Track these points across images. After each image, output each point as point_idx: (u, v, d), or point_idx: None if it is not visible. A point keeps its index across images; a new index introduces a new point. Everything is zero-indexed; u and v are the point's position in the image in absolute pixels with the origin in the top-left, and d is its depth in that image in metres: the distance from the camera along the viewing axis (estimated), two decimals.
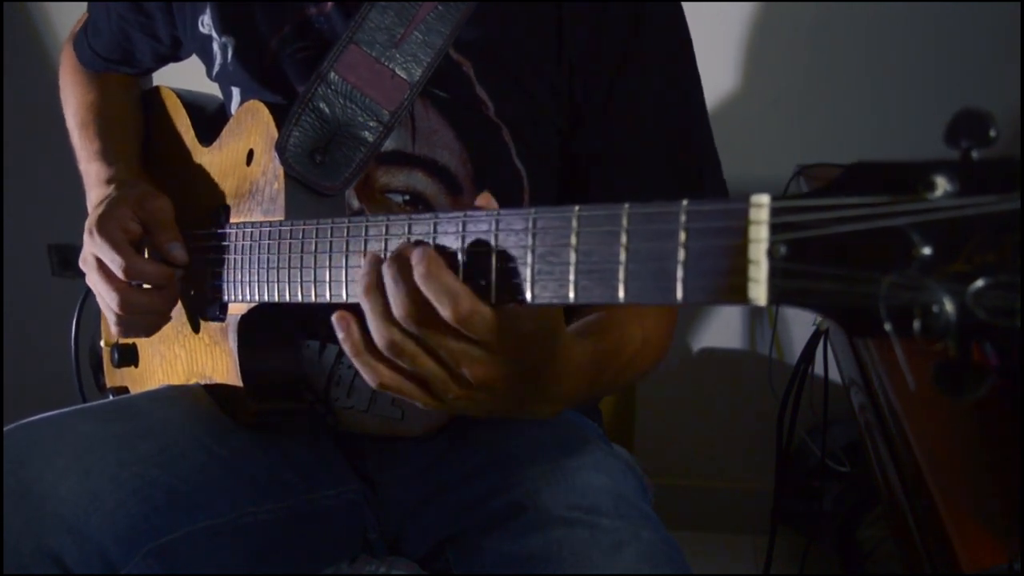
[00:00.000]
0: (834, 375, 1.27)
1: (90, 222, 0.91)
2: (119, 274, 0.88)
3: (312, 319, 0.92)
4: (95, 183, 1.01)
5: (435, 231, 0.62)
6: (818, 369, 1.40)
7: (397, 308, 0.59)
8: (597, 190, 0.89)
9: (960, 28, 1.55)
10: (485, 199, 0.61)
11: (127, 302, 0.90)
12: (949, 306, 0.40)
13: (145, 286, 0.95)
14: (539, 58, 0.87)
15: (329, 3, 0.89)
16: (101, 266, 0.90)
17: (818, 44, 1.62)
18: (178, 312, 0.99)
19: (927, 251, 0.40)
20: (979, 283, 0.39)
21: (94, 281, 0.92)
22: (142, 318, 0.93)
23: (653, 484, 1.00)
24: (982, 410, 0.82)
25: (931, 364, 0.41)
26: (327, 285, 0.73)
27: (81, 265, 0.94)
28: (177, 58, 1.11)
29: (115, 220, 0.89)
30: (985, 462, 0.77)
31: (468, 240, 0.60)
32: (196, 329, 0.95)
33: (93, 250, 0.90)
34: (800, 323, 1.72)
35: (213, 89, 1.05)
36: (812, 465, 1.69)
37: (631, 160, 0.89)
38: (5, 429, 0.82)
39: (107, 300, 0.92)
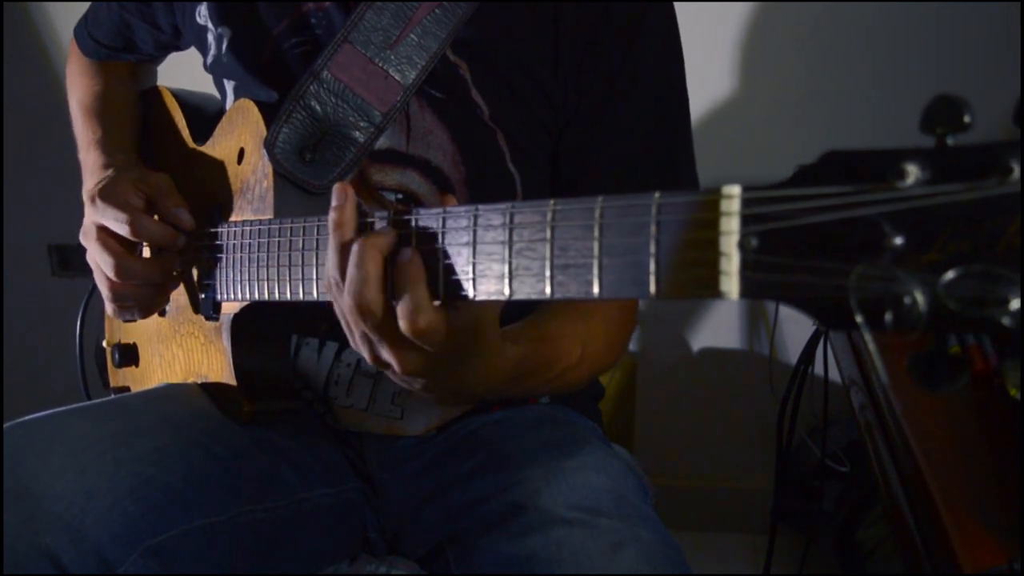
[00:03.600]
0: (834, 375, 1.26)
1: (91, 192, 0.90)
2: (125, 231, 0.87)
3: (310, 317, 0.92)
4: (93, 169, 1.01)
5: (416, 227, 0.62)
6: (818, 369, 1.39)
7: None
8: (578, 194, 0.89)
9: (960, 28, 1.55)
10: (449, 201, 0.62)
11: (123, 267, 0.88)
12: (920, 297, 0.39)
13: (145, 254, 0.93)
14: (535, 64, 0.87)
15: (328, 1, 0.89)
16: (101, 233, 0.88)
17: (818, 45, 1.62)
18: (175, 312, 0.99)
19: (899, 241, 0.39)
20: (951, 274, 0.38)
21: (92, 251, 0.90)
22: (136, 292, 0.91)
23: (653, 484, 0.99)
24: (982, 410, 0.82)
25: (907, 355, 0.40)
26: (314, 283, 0.73)
27: (81, 238, 0.92)
28: (178, 47, 1.11)
29: (118, 192, 0.89)
30: (985, 462, 0.77)
31: (447, 237, 0.60)
32: (197, 310, 0.95)
33: (95, 217, 0.89)
34: (800, 323, 1.72)
35: (210, 82, 1.05)
36: (812, 465, 1.69)
37: (613, 168, 0.89)
38: (3, 427, 0.82)
39: (103, 268, 0.90)
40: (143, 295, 0.92)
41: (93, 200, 0.89)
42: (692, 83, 0.93)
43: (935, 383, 0.39)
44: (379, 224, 0.65)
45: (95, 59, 1.14)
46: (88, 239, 0.90)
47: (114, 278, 0.89)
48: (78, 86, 1.13)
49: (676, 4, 0.91)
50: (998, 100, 1.55)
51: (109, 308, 0.95)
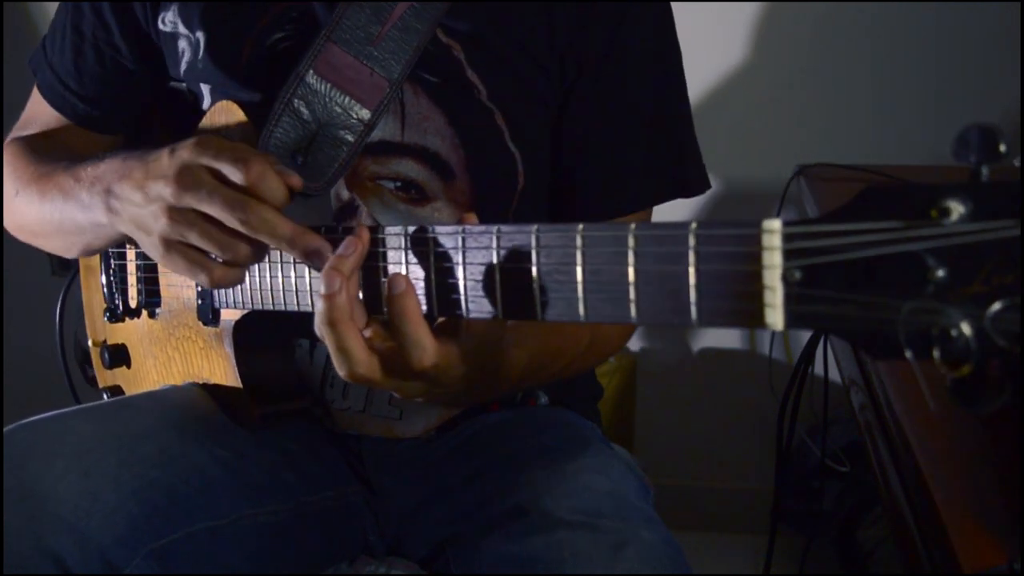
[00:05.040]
0: (834, 375, 1.26)
1: (168, 147, 0.70)
2: (239, 176, 0.66)
3: (304, 317, 0.92)
4: (95, 174, 0.80)
5: (434, 247, 0.61)
6: (818, 369, 1.39)
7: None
8: (581, 173, 0.90)
9: (960, 28, 1.55)
10: (471, 219, 0.62)
11: (258, 216, 0.66)
12: (967, 330, 0.40)
13: None
14: (529, 40, 0.86)
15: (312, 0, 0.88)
16: (211, 174, 0.67)
17: (818, 44, 1.62)
18: (168, 315, 0.98)
19: (942, 273, 0.40)
20: (997, 306, 0.39)
21: (203, 194, 0.66)
22: (253, 247, 0.69)
23: (653, 484, 1.00)
24: None
25: (947, 378, 0.41)
26: (308, 295, 0.73)
27: (174, 178, 0.68)
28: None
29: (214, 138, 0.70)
30: (985, 462, 0.77)
31: (468, 257, 0.59)
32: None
33: (201, 159, 0.67)
34: None
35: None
36: (812, 465, 1.69)
37: (614, 142, 0.89)
38: (5, 429, 0.82)
39: (230, 212, 0.66)
40: (255, 253, 0.70)
41: (198, 141, 0.69)
42: (692, 81, 0.93)
43: (978, 405, 0.40)
44: (392, 240, 0.64)
45: (86, 127, 1.02)
46: (187, 181, 0.67)
47: (247, 227, 0.66)
48: (19, 171, 0.94)
49: (676, 2, 0.91)
50: (998, 100, 1.56)
51: (204, 278, 0.71)
